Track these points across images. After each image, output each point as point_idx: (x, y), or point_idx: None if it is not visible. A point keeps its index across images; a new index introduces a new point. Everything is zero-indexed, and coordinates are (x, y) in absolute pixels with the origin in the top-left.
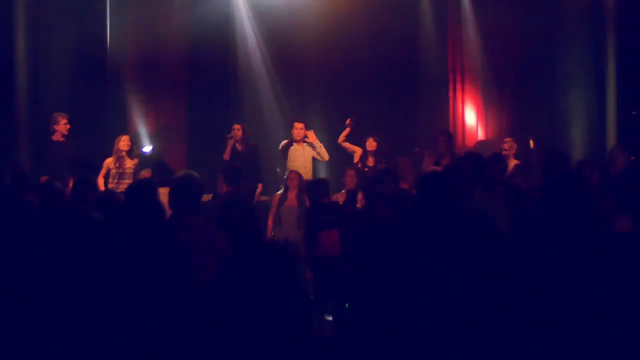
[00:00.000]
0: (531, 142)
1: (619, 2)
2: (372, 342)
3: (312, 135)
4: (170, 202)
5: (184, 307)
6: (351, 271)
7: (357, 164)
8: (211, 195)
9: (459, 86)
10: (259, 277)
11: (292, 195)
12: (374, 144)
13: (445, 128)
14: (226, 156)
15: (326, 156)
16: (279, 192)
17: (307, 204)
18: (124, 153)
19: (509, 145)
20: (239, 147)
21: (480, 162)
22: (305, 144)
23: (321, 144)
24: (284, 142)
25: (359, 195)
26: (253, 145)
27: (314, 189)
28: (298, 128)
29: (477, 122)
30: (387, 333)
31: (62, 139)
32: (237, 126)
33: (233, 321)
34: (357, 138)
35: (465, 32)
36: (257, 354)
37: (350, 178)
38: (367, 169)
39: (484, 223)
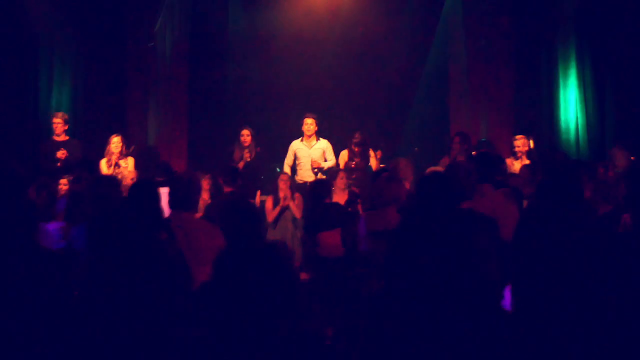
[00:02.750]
0: (531, 143)
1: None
2: (373, 344)
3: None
4: (169, 201)
5: (182, 306)
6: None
7: (349, 163)
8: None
9: (458, 86)
10: (253, 273)
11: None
12: (357, 149)
13: (461, 130)
14: (241, 166)
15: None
16: (269, 197)
17: (303, 204)
18: (115, 154)
19: (521, 143)
20: (247, 155)
21: (490, 160)
22: (314, 143)
23: (332, 162)
24: (292, 147)
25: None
26: (259, 152)
27: (316, 189)
28: (308, 124)
29: (477, 122)
30: (387, 334)
31: (58, 139)
32: (245, 132)
33: (225, 317)
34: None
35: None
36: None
37: (341, 180)
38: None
39: (484, 224)
